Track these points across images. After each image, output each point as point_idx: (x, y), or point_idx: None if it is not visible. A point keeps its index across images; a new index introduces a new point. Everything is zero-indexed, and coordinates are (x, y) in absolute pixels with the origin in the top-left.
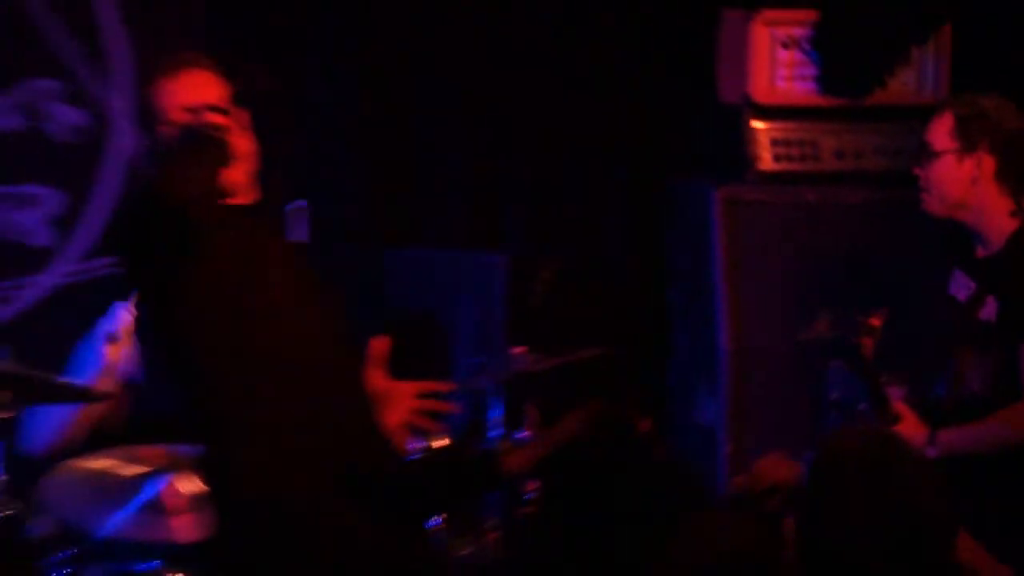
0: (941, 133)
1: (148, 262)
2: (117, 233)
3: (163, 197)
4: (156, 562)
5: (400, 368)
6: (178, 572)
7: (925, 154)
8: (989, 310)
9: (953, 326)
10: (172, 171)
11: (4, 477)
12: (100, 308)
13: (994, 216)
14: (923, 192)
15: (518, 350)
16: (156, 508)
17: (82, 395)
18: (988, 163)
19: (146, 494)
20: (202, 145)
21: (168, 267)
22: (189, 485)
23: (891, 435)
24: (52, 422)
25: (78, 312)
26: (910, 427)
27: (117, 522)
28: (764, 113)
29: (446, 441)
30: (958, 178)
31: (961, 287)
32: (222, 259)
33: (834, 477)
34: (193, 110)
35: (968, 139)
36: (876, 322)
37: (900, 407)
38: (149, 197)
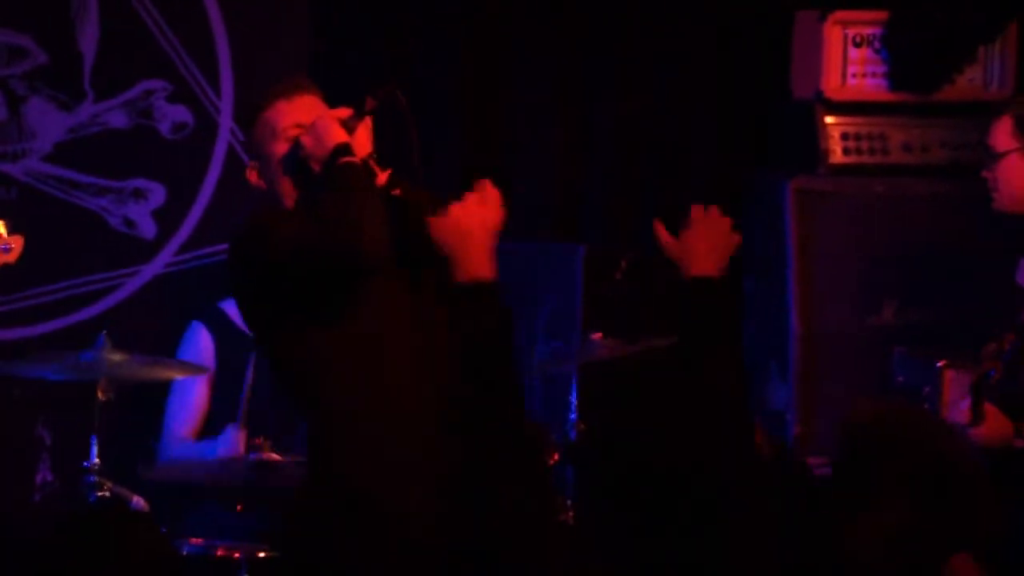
0: (1003, 134)
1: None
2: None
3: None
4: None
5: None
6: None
7: (989, 156)
8: None
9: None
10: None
11: (97, 461)
12: (196, 298)
13: None
14: (993, 192)
15: (596, 336)
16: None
17: (184, 369)
18: None
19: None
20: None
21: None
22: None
23: (920, 408)
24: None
25: (175, 301)
26: (996, 422)
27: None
28: (835, 108)
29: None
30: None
31: None
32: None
33: (863, 445)
34: (303, 127)
35: None
36: (1006, 345)
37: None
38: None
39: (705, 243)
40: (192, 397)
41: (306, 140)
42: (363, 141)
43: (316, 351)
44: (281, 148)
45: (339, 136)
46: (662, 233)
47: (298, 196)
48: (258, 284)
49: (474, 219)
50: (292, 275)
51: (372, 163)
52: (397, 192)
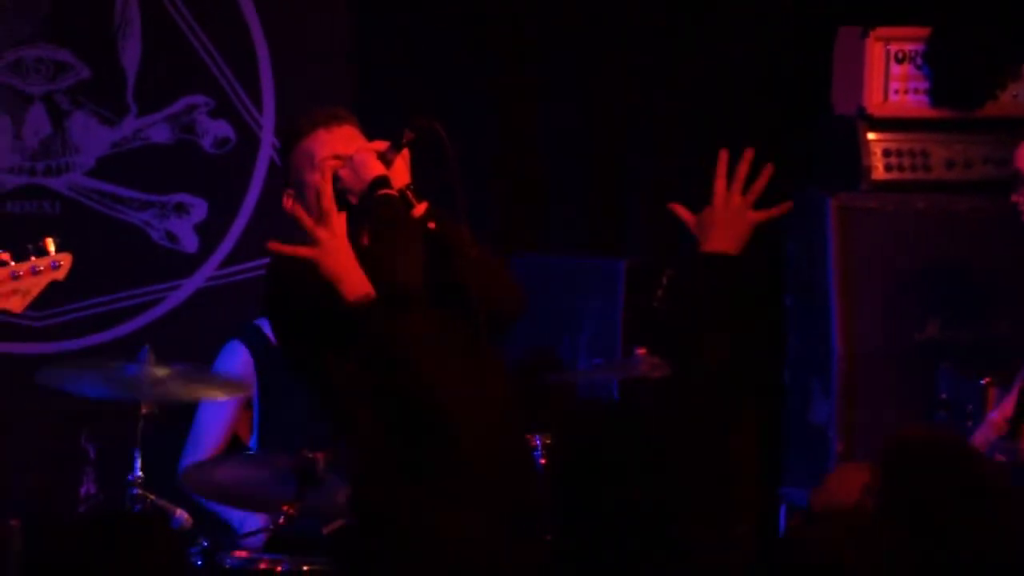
0: None
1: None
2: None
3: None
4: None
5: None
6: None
7: (1018, 181)
8: None
9: None
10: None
11: (140, 474)
12: (234, 316)
13: None
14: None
15: (640, 351)
16: None
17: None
18: None
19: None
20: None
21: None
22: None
23: (958, 435)
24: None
25: (217, 315)
26: None
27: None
28: (878, 125)
29: None
30: None
31: None
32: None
33: (905, 472)
34: (340, 158)
35: None
36: None
37: None
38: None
39: (724, 220)
40: (221, 414)
41: (344, 173)
42: (401, 173)
43: (352, 382)
44: (318, 178)
45: (376, 169)
46: (681, 211)
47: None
48: (293, 317)
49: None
50: (327, 309)
51: (410, 195)
52: (432, 225)
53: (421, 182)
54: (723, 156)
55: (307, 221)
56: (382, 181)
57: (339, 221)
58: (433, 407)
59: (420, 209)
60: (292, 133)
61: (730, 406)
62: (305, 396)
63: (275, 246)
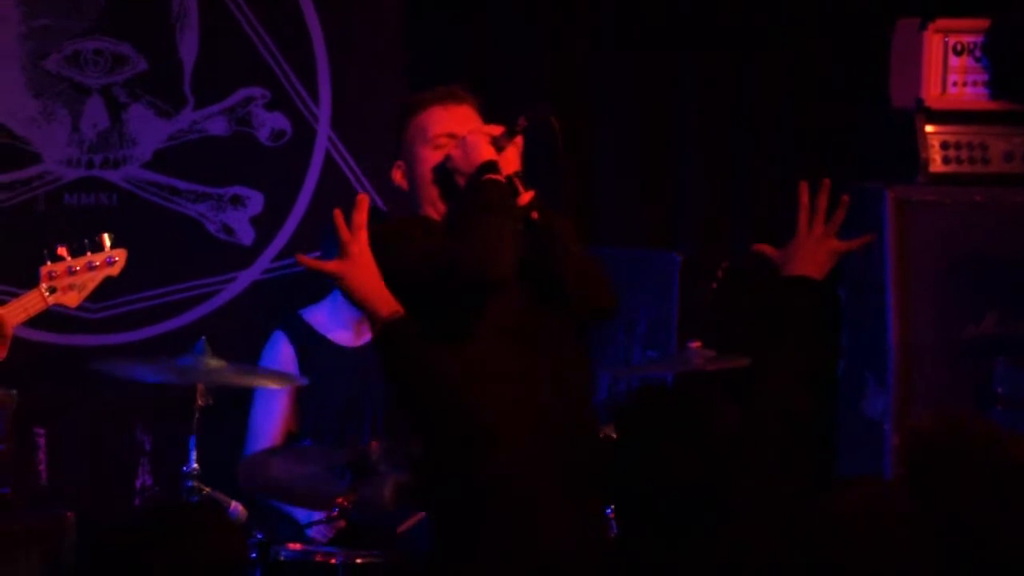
0: None
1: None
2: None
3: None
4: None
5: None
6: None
7: None
8: None
9: None
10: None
11: (196, 466)
12: (290, 305)
13: None
14: None
15: (694, 345)
16: None
17: (277, 379)
18: None
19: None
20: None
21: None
22: None
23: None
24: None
25: (272, 307)
26: None
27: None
28: (935, 117)
29: None
30: None
31: None
32: None
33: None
34: (454, 136)
35: None
36: None
37: None
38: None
39: (808, 250)
40: (275, 408)
41: (455, 153)
42: (511, 160)
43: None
44: (429, 154)
45: (487, 153)
46: (766, 249)
47: (442, 208)
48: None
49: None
50: (417, 284)
51: (518, 182)
52: (536, 215)
53: (530, 171)
54: (803, 189)
55: (344, 234)
56: (490, 166)
57: (364, 238)
58: (466, 417)
59: (526, 198)
60: (408, 107)
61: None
62: (344, 386)
63: (303, 259)
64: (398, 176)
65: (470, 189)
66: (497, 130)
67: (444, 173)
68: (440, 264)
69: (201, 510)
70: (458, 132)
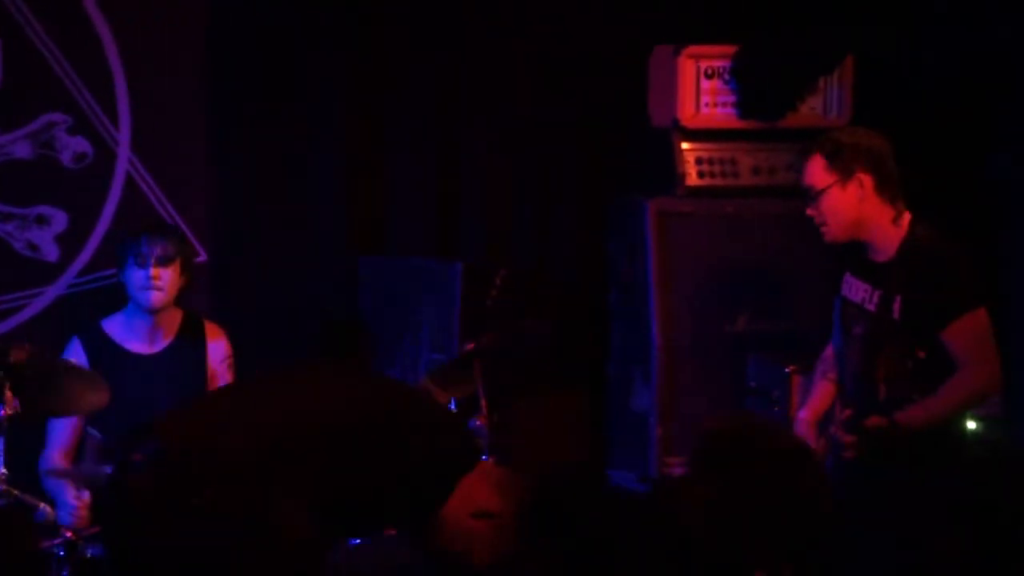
0: (818, 172)
1: None
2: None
3: None
4: None
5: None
6: None
7: (811, 195)
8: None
9: (864, 326)
10: None
11: (4, 471)
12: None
13: (881, 226)
14: (822, 227)
15: (470, 346)
16: None
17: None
18: (867, 181)
19: None
20: None
21: None
22: None
23: (768, 422)
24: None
25: (77, 320)
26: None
27: None
28: (690, 135)
29: None
30: (847, 203)
31: (855, 289)
32: None
33: (714, 460)
34: None
35: (843, 168)
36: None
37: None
38: None
39: None
40: (64, 420)
41: None
42: None
43: None
44: None
45: None
46: None
47: None
48: None
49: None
50: None
51: None
52: None
53: None
54: None
55: None
56: None
57: None
58: None
59: None
60: None
61: None
62: (135, 389)
63: None
64: None
65: None
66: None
67: None
68: None
69: (2, 514)
70: None
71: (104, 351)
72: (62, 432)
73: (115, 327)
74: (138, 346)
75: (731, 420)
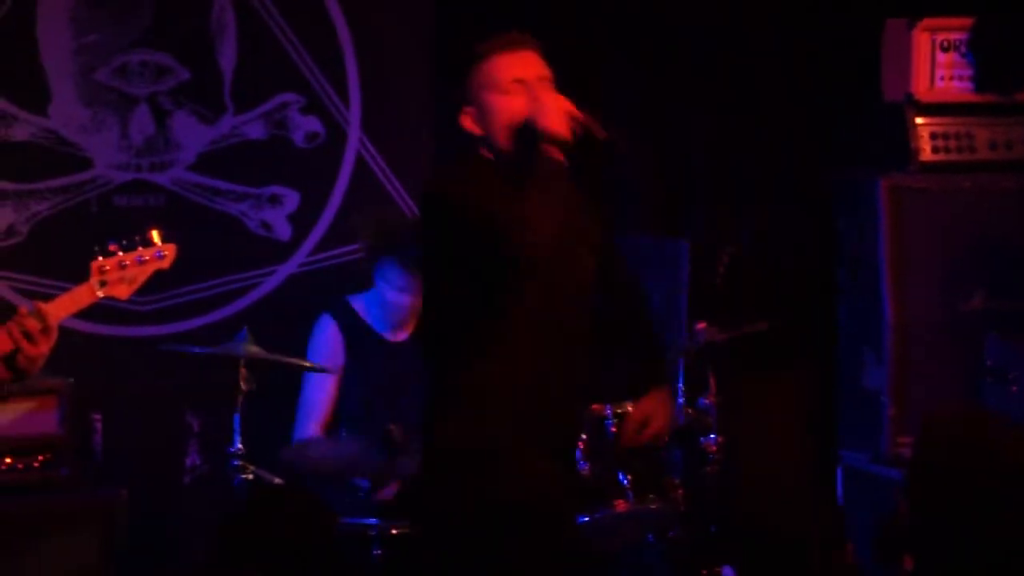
0: None
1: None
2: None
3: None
4: None
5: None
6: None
7: None
8: None
9: None
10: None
11: (240, 446)
12: (327, 295)
13: None
14: None
15: (700, 325)
16: None
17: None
18: None
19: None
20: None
21: None
22: None
23: (991, 414)
24: (317, 405)
25: (308, 299)
26: None
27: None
28: (925, 109)
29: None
30: None
31: None
32: None
33: (936, 454)
34: (522, 81)
35: None
36: None
37: None
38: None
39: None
40: (320, 394)
41: (532, 108)
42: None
43: (465, 313)
44: (499, 99)
45: (560, 127)
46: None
47: (504, 154)
48: (437, 235)
49: None
50: (464, 238)
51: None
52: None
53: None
54: None
55: None
56: (554, 139)
57: None
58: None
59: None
60: (474, 56)
61: None
62: (379, 374)
63: None
64: (468, 122)
65: (523, 152)
66: (579, 114)
67: (518, 124)
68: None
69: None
70: (525, 77)
71: (357, 329)
72: (319, 403)
73: (362, 307)
74: (386, 331)
75: (964, 416)
